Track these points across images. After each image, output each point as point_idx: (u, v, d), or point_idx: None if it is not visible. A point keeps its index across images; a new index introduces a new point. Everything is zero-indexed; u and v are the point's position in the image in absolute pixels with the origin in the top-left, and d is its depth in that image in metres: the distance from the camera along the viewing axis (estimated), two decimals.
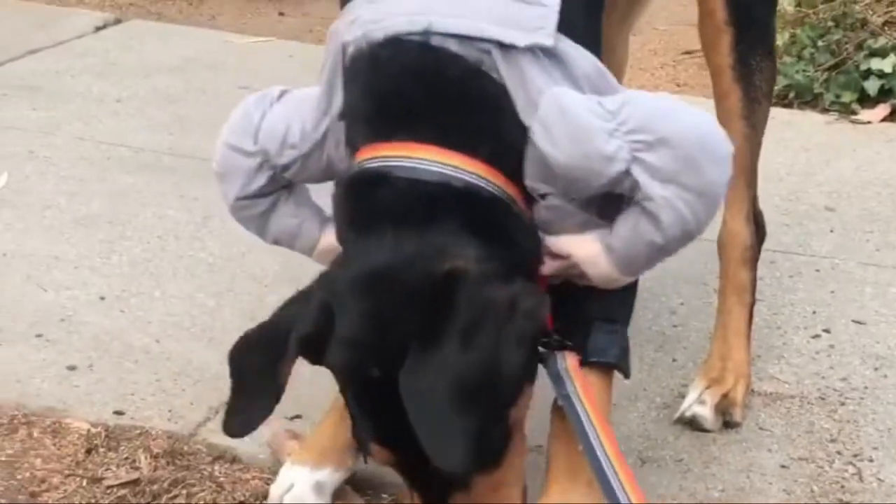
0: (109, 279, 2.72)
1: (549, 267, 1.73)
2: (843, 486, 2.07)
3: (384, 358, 1.54)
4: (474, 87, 1.66)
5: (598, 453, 1.62)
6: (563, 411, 1.75)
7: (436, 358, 1.48)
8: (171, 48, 4.26)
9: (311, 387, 2.30)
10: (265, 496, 2.05)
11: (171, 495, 2.05)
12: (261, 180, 1.84)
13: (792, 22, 4.25)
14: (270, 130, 1.81)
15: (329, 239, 1.85)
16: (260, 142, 1.82)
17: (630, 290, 1.89)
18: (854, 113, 3.88)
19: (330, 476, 1.99)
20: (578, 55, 1.71)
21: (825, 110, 3.93)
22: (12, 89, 3.78)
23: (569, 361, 1.75)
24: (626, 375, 1.92)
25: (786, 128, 3.75)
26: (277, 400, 1.68)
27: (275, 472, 2.09)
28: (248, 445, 2.17)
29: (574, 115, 1.63)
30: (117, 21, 4.50)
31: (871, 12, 4.12)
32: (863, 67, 3.96)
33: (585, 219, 1.71)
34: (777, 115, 3.89)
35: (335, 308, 1.59)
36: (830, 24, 4.14)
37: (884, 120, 3.84)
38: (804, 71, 4.01)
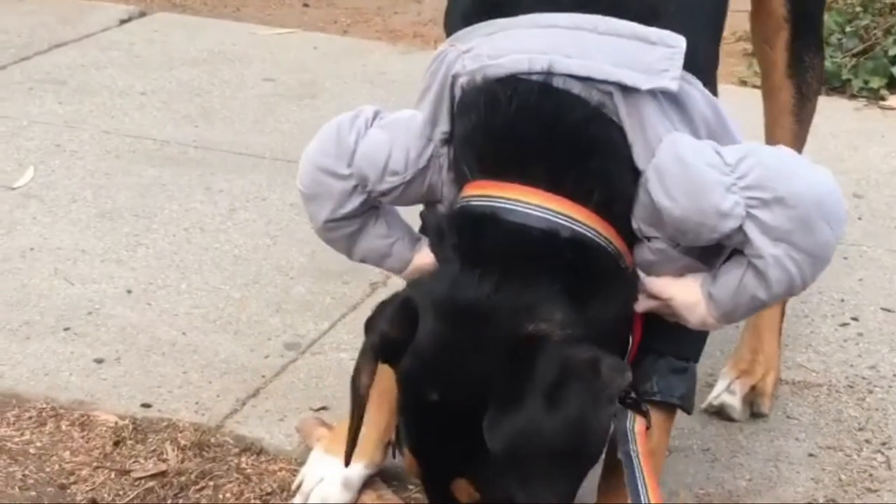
0: (136, 272, 2.73)
1: (644, 305, 1.70)
2: (871, 475, 2.06)
3: (452, 390, 1.55)
4: (593, 131, 1.62)
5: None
6: (616, 467, 1.73)
7: (520, 415, 1.49)
8: (196, 41, 4.26)
9: (337, 379, 2.33)
10: (292, 487, 2.06)
11: (198, 487, 2.06)
12: (353, 203, 1.81)
13: None
14: (369, 156, 1.77)
15: (423, 259, 1.83)
16: (356, 165, 1.78)
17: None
18: (883, 99, 3.86)
19: (361, 471, 1.99)
20: (699, 97, 1.66)
21: (853, 96, 3.90)
22: (38, 83, 3.80)
23: (637, 423, 1.72)
24: (689, 412, 1.91)
25: (814, 114, 3.72)
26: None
27: (301, 464, 2.11)
28: (275, 437, 2.18)
29: (692, 167, 1.59)
30: (142, 14, 4.51)
31: None
32: (891, 53, 3.94)
33: (688, 263, 1.68)
34: None
35: (420, 316, 1.60)
36: (858, 9, 4.11)
37: None
38: (832, 57, 3.97)
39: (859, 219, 3.04)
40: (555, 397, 1.49)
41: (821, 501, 2.00)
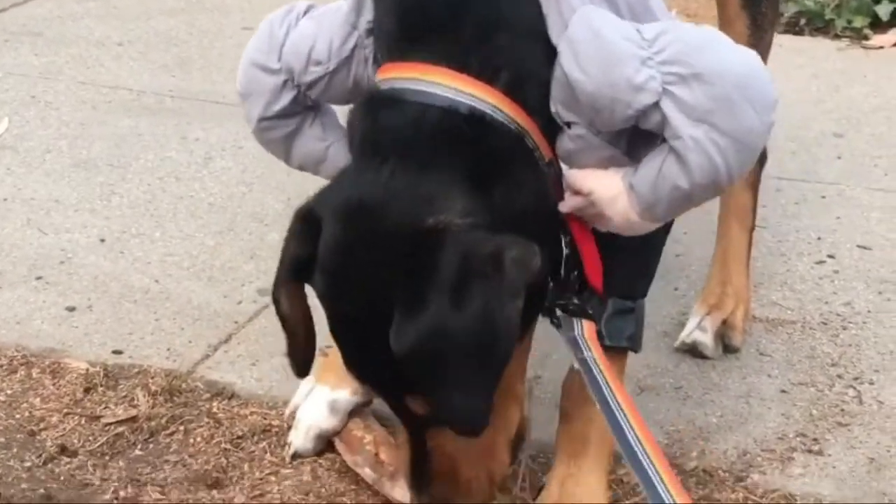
0: (109, 221, 2.71)
1: (568, 203, 1.63)
2: (842, 410, 2.06)
3: (363, 301, 1.50)
4: (503, 5, 1.56)
5: (619, 418, 1.51)
6: (576, 377, 1.70)
7: (427, 318, 1.42)
8: None
9: None
10: (264, 430, 2.06)
11: (168, 432, 2.06)
12: (285, 99, 1.76)
13: None
14: (295, 47, 1.72)
15: None
16: (284, 59, 1.73)
17: (653, 259, 1.83)
18: (866, 38, 3.82)
19: (347, 397, 1.97)
20: None
21: (837, 36, 3.87)
22: (13, 35, 3.77)
23: (586, 330, 1.66)
24: (637, 352, 1.85)
25: (796, 55, 3.70)
26: (307, 331, 1.65)
27: (272, 407, 2.11)
28: (247, 382, 2.18)
29: (605, 39, 1.52)
30: None
31: None
32: None
33: (611, 154, 1.60)
34: (787, 42, 3.84)
35: (322, 224, 1.54)
36: None
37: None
38: None
39: (839, 158, 3.02)
40: (457, 296, 1.41)
41: (791, 436, 2.00)
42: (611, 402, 1.52)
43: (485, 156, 1.52)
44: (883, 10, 3.85)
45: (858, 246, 2.59)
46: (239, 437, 2.05)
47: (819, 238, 2.63)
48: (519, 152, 1.56)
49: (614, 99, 1.52)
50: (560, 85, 1.56)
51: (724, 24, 2.27)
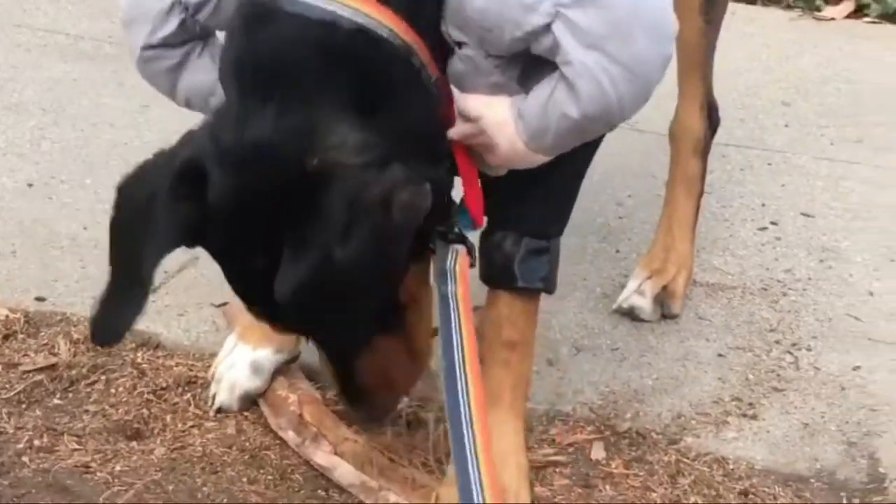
0: (39, 166, 2.63)
1: (457, 130, 1.57)
2: (778, 375, 2.03)
3: (255, 249, 1.45)
4: None
5: (457, 364, 1.46)
6: (491, 318, 1.69)
7: (309, 265, 1.38)
8: None
9: None
10: (188, 382, 2.00)
11: (89, 381, 1.99)
12: (171, 25, 1.65)
13: None
14: None
15: None
16: None
17: (567, 199, 1.78)
18: (818, 9, 3.79)
19: (270, 356, 1.92)
20: None
21: (789, 6, 3.84)
22: None
23: (460, 261, 1.59)
24: (551, 292, 1.80)
25: (748, 24, 3.67)
26: (145, 296, 1.52)
27: (199, 358, 2.05)
28: (173, 332, 2.12)
29: None
30: None
31: None
32: None
33: (502, 81, 1.53)
34: (740, 10, 3.81)
35: (208, 176, 1.45)
36: None
37: (848, 17, 3.76)
38: None
39: (786, 126, 2.99)
40: (343, 242, 1.36)
41: (726, 400, 1.97)
42: (454, 344, 1.48)
43: (371, 77, 1.45)
44: None
45: (802, 213, 2.57)
46: (163, 389, 1.99)
47: (763, 205, 2.60)
48: (406, 71, 1.48)
49: (504, 17, 1.46)
50: (450, 3, 1.49)
51: None
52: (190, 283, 2.25)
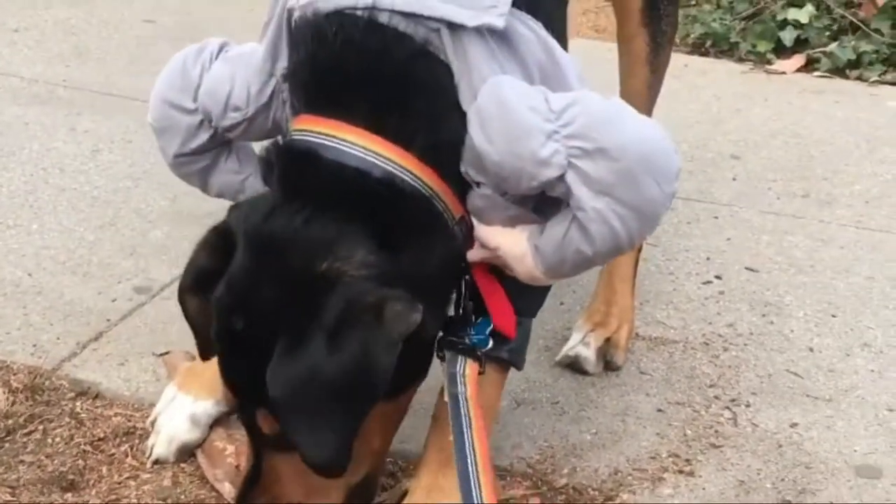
0: None
1: (476, 254, 1.66)
2: (716, 431, 2.04)
3: (252, 321, 1.52)
4: (418, 69, 1.56)
5: (469, 461, 1.57)
6: (446, 408, 1.69)
7: (302, 357, 1.46)
8: None
9: (185, 323, 2.24)
10: (126, 432, 1.99)
11: (26, 431, 1.98)
12: (202, 138, 1.78)
13: None
14: (212, 91, 1.74)
15: None
16: (200, 100, 1.75)
17: (543, 287, 1.84)
18: (769, 63, 3.86)
19: (210, 409, 1.94)
20: (533, 39, 1.59)
21: (741, 59, 3.90)
22: None
23: (469, 368, 1.68)
24: (519, 368, 1.89)
25: (700, 76, 3.72)
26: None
27: (138, 409, 2.04)
28: (113, 382, 2.11)
29: (512, 111, 1.53)
30: None
31: None
32: (780, 17, 3.93)
33: (519, 213, 1.63)
34: (693, 63, 3.87)
35: (237, 244, 1.57)
36: None
37: (798, 70, 3.82)
38: (722, 19, 3.97)
39: (734, 179, 3.03)
40: (335, 341, 1.45)
41: (664, 456, 1.98)
42: (467, 447, 1.57)
43: (393, 216, 1.55)
44: (787, 36, 3.89)
45: (746, 268, 2.59)
46: (100, 439, 1.97)
47: (708, 258, 2.63)
48: (427, 215, 1.59)
49: (520, 170, 1.54)
50: (469, 150, 1.58)
51: (623, 41, 2.27)
52: (132, 333, 2.24)
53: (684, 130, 3.24)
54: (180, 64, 1.78)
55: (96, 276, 2.42)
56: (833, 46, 3.83)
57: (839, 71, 3.79)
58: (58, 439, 1.97)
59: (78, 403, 2.05)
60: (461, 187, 1.62)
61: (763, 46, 3.86)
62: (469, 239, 1.66)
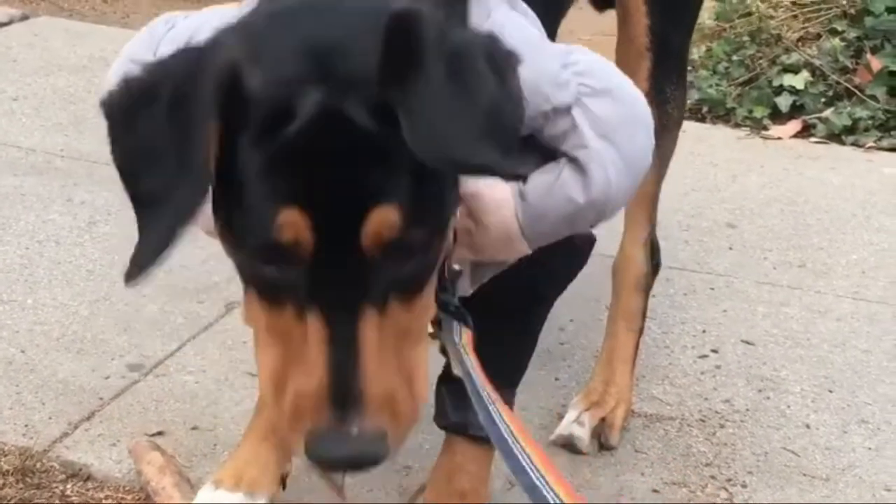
0: None
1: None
2: None
3: (338, 97, 1.21)
4: None
5: (503, 429, 1.37)
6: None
7: (436, 104, 1.19)
8: (78, 47, 4.15)
9: (179, 402, 2.25)
10: None
11: None
12: None
13: (709, 35, 4.23)
14: (174, 39, 1.58)
15: None
16: (160, 51, 1.58)
17: (527, 350, 1.84)
18: (765, 128, 3.86)
19: (247, 499, 1.89)
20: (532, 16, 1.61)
21: (737, 125, 3.91)
22: None
23: (465, 338, 1.54)
24: None
25: (696, 142, 3.72)
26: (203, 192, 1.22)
27: (129, 491, 2.02)
28: (105, 463, 2.09)
29: (530, 33, 1.54)
30: (24, 17, 4.39)
31: (786, 28, 4.11)
32: (775, 83, 3.94)
33: None
34: (689, 128, 3.85)
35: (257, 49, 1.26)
36: (745, 38, 4.12)
37: (794, 136, 3.82)
38: (718, 85, 3.98)
39: (730, 249, 3.03)
40: (462, 77, 1.21)
41: None
42: (496, 419, 1.38)
43: None
44: (783, 102, 3.90)
45: (742, 341, 2.58)
46: None
47: (704, 331, 2.62)
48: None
49: (538, 89, 1.47)
50: None
51: None
52: (125, 412, 2.23)
53: (680, 199, 3.24)
54: (147, 29, 1.69)
55: (90, 353, 2.41)
56: (829, 112, 3.84)
57: (835, 136, 3.80)
58: None
59: (69, 486, 2.04)
60: None
61: (759, 112, 3.87)
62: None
